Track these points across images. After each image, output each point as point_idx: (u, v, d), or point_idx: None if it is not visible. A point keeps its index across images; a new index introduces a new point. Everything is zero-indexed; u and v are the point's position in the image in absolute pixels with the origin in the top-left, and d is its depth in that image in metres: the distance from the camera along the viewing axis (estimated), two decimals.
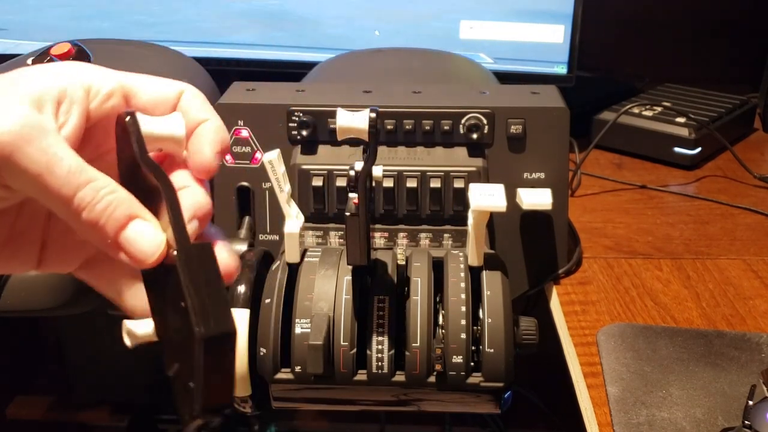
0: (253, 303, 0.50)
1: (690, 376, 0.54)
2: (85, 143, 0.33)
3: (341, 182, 0.59)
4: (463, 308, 0.49)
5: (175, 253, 0.29)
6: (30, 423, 1.19)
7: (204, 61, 0.91)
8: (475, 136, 0.61)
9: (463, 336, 0.49)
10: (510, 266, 0.54)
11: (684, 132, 0.89)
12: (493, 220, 0.62)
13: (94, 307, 0.67)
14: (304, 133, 0.61)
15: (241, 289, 0.50)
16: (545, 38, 0.94)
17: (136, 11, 0.97)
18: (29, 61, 0.58)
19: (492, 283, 0.51)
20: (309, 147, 0.62)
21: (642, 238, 0.74)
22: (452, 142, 0.62)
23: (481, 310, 0.50)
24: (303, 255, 0.53)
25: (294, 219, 0.51)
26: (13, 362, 1.18)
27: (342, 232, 0.59)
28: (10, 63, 0.80)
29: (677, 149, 0.89)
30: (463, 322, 0.49)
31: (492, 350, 0.49)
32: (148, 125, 0.31)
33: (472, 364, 0.49)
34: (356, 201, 0.46)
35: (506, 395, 0.51)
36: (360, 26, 0.95)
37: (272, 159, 0.49)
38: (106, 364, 1.11)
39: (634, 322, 0.60)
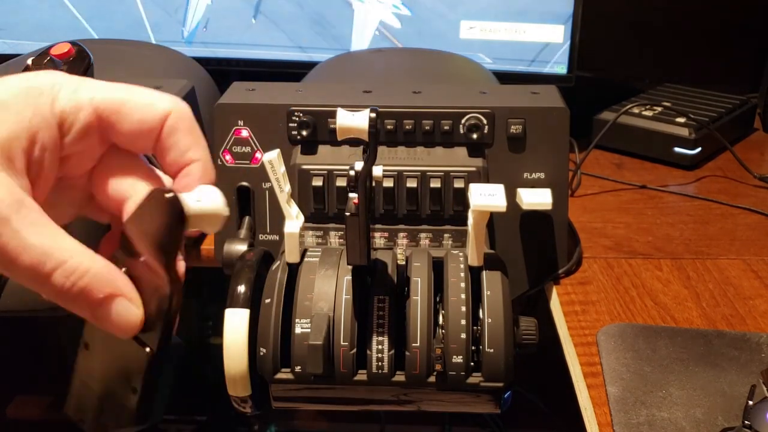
0: (253, 303, 0.50)
1: (690, 376, 0.54)
2: (59, 168, 0.32)
3: (341, 182, 0.59)
4: (463, 308, 0.49)
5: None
6: (30, 423, 1.19)
7: (204, 61, 0.91)
8: (475, 136, 0.61)
9: (463, 336, 0.49)
10: (510, 266, 0.54)
11: (684, 132, 0.89)
12: (493, 220, 0.62)
13: None
14: (304, 133, 0.61)
15: (241, 289, 0.50)
16: (545, 38, 0.94)
17: (136, 11, 0.97)
18: (29, 62, 0.58)
19: (492, 283, 0.51)
20: (309, 147, 0.62)
21: (642, 238, 0.74)
22: (452, 142, 0.62)
23: (481, 310, 0.50)
24: (303, 255, 0.53)
25: (294, 219, 0.51)
26: (13, 362, 1.18)
27: (342, 232, 0.59)
28: (10, 63, 0.80)
29: (677, 149, 0.89)
30: (463, 322, 0.49)
31: (492, 350, 0.49)
32: (192, 205, 0.31)
33: (472, 364, 0.49)
34: (356, 201, 0.46)
35: (506, 395, 0.51)
36: (361, 26, 0.95)
37: (272, 159, 0.49)
38: None
39: (634, 322, 0.60)
